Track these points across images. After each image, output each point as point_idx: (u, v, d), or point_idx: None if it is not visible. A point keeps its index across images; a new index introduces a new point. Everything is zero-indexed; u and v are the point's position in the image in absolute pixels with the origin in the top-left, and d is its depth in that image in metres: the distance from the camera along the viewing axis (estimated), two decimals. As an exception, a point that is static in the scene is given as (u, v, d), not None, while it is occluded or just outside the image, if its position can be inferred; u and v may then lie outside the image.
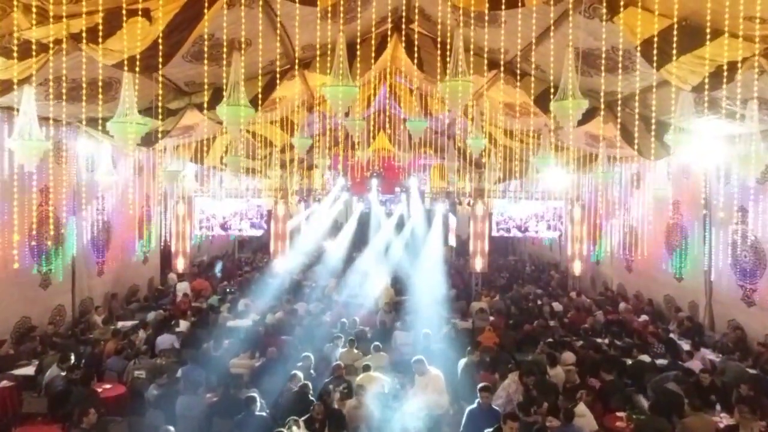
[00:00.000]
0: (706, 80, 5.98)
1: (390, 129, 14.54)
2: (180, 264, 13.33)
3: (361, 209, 19.08)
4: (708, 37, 5.59)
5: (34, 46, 5.61)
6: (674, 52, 5.70)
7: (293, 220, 16.12)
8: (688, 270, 10.70)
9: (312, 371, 7.42)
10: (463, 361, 7.57)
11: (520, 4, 6.05)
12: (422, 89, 11.87)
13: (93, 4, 5.47)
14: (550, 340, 8.51)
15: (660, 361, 8.30)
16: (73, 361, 7.08)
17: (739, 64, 5.82)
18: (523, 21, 6.90)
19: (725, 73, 5.81)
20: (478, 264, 13.90)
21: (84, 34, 5.61)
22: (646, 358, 8.06)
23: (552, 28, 7.00)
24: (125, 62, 5.81)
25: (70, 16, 5.58)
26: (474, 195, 14.32)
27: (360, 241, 17.97)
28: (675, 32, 5.60)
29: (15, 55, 5.60)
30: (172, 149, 11.04)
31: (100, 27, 5.62)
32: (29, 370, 7.59)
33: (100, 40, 5.68)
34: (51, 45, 5.70)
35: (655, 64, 6.04)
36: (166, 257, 13.51)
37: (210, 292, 12.33)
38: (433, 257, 15.41)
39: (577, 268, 13.97)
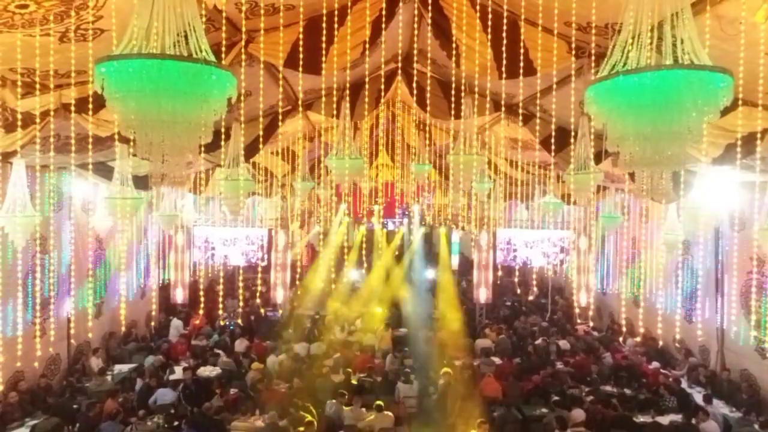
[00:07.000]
0: (739, 148, 5.69)
1: (392, 151, 14.19)
2: (179, 296, 12.97)
3: (363, 231, 18.69)
4: (740, 103, 5.30)
5: (20, 119, 5.29)
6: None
7: (295, 249, 15.76)
8: (698, 313, 10.43)
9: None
10: None
11: (538, 73, 5.71)
12: (424, 119, 11.53)
13: (84, 75, 5.15)
14: (558, 398, 8.26)
15: (672, 418, 8.09)
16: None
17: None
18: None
19: (757, 139, 5.51)
20: (483, 295, 13.63)
21: (73, 106, 5.29)
22: (663, 420, 7.85)
23: (572, 77, 6.72)
24: (117, 135, 5.48)
25: (59, 87, 5.27)
26: (478, 225, 14.00)
27: (363, 264, 17.62)
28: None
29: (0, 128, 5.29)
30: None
31: (91, 97, 5.30)
32: (22, 433, 7.35)
33: (90, 110, 5.36)
34: (38, 117, 5.37)
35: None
36: (165, 290, 13.16)
37: (208, 328, 12.00)
38: (434, 286, 15.09)
39: (583, 299, 13.63)
